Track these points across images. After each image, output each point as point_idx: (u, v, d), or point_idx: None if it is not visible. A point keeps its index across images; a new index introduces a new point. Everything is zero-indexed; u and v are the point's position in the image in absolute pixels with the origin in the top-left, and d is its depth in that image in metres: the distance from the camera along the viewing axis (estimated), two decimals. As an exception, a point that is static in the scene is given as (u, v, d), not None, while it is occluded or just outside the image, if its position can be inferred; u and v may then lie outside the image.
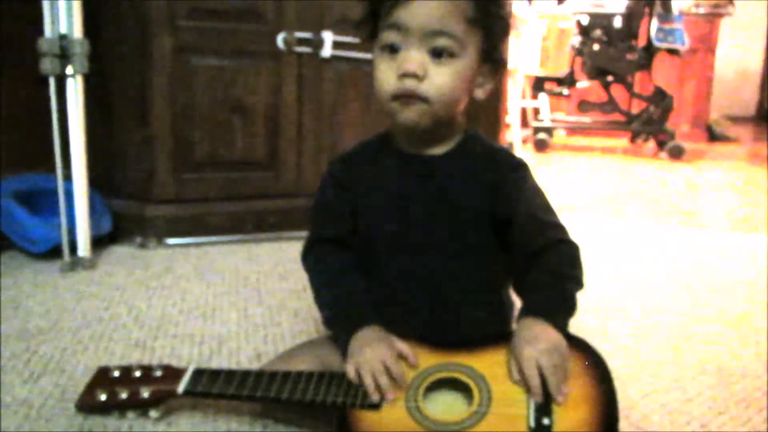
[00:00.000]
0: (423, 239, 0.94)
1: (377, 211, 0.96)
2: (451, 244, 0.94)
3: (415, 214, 0.94)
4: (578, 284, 0.90)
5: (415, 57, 0.84)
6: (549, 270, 0.90)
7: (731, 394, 1.08)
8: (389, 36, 0.86)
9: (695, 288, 1.63)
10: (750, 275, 1.75)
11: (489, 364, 0.85)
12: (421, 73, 0.84)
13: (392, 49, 0.86)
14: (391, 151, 0.97)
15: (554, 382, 0.79)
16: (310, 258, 1.02)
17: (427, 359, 0.86)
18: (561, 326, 0.85)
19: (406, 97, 0.86)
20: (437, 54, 0.85)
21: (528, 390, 0.79)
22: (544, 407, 0.78)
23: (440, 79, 0.85)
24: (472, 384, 0.82)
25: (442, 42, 0.85)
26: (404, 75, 0.85)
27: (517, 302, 1.06)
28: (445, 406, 0.82)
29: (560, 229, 0.94)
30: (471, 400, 0.81)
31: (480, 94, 0.93)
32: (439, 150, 0.95)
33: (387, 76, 0.87)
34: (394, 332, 0.89)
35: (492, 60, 0.91)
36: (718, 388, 1.10)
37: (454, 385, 0.84)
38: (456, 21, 0.85)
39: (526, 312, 0.87)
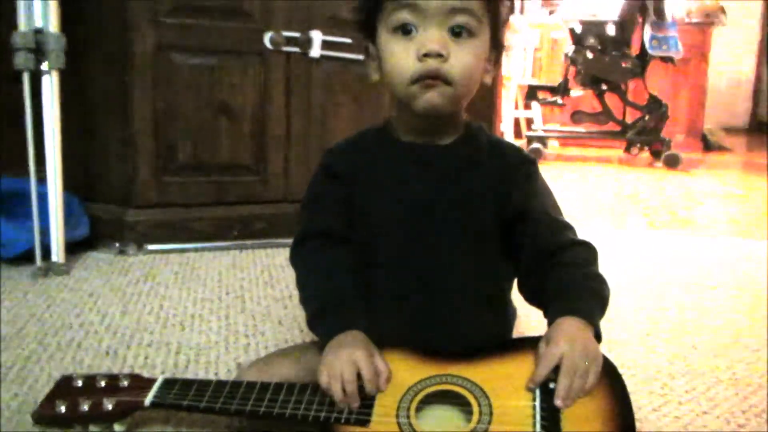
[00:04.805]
0: (425, 232, 0.87)
1: (375, 202, 0.89)
2: (455, 238, 0.87)
3: (417, 205, 0.88)
4: (608, 287, 0.85)
5: (437, 36, 0.79)
6: (582, 272, 0.85)
7: (750, 406, 1.01)
8: (402, 16, 0.80)
9: (700, 296, 1.57)
10: (756, 282, 1.69)
11: (489, 376, 0.77)
12: (444, 52, 0.79)
13: (405, 30, 0.81)
14: (391, 141, 0.90)
15: (564, 384, 0.72)
16: (298, 254, 0.95)
17: (421, 371, 0.79)
18: (598, 330, 0.80)
19: (430, 79, 0.80)
20: (457, 33, 0.80)
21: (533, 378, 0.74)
22: (552, 423, 0.70)
23: (463, 59, 0.81)
24: (470, 397, 0.75)
25: (462, 19, 0.80)
26: (426, 55, 0.79)
27: (519, 308, 0.99)
28: (441, 421, 0.74)
29: (573, 230, 0.89)
30: (469, 415, 0.73)
31: (488, 79, 0.88)
32: (443, 140, 0.89)
33: (404, 58, 0.81)
34: (386, 338, 0.82)
35: (496, 46, 0.87)
36: (735, 400, 1.03)
37: (451, 398, 0.76)
38: None
39: (563, 311, 0.80)
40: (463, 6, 0.79)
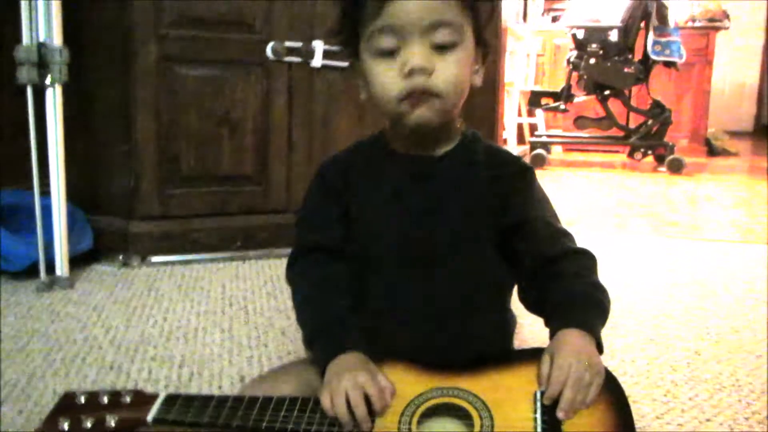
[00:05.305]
0: (421, 245, 0.87)
1: (372, 215, 0.89)
2: (453, 248, 0.87)
3: (413, 218, 0.87)
4: (608, 297, 0.84)
5: (420, 52, 0.79)
6: (583, 281, 0.84)
7: (753, 413, 1.00)
8: (383, 39, 0.80)
9: (704, 302, 1.56)
10: (760, 288, 1.68)
11: (490, 387, 0.77)
12: (429, 67, 0.79)
13: (388, 52, 0.81)
14: (387, 153, 0.90)
15: (569, 396, 0.71)
16: (294, 270, 0.94)
17: (422, 383, 0.78)
18: (600, 341, 0.79)
19: (418, 95, 0.80)
20: (439, 46, 0.80)
21: (544, 390, 0.73)
22: (554, 434, 0.70)
23: (449, 71, 0.80)
24: (471, 410, 0.74)
25: (443, 33, 0.80)
26: (411, 72, 0.79)
27: (519, 316, 0.99)
28: (443, 434, 0.74)
29: (572, 237, 0.88)
30: (471, 427, 0.73)
31: (477, 80, 0.88)
32: (437, 151, 0.88)
33: (390, 78, 0.80)
34: (385, 351, 0.81)
35: (482, 44, 0.86)
36: (738, 407, 1.02)
37: (452, 411, 0.75)
38: (451, 7, 0.79)
39: (566, 323, 0.79)
40: (442, 19, 0.79)
